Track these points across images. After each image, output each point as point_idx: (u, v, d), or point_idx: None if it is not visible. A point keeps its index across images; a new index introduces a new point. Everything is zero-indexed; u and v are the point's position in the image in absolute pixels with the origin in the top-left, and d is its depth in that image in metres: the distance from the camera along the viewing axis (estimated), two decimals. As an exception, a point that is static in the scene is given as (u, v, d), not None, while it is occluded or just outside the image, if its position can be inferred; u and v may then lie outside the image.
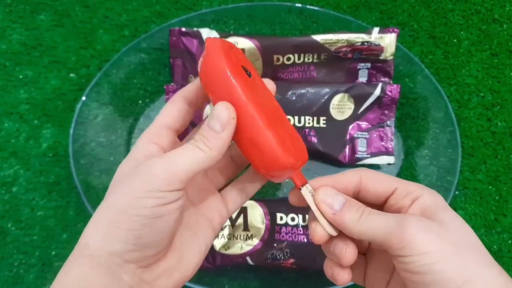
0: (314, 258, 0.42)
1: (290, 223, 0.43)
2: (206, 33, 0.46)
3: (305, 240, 0.43)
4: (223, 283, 0.43)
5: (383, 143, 0.48)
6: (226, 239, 0.42)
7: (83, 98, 0.46)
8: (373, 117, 0.48)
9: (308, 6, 0.50)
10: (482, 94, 0.52)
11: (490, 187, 0.49)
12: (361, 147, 0.48)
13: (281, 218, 0.43)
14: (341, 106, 0.47)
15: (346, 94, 0.46)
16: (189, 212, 0.28)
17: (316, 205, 0.27)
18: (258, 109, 0.25)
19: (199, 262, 0.28)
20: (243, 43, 0.45)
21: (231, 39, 0.45)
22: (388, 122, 0.48)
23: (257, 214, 0.43)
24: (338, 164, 0.48)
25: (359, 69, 0.49)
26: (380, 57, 0.47)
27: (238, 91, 0.24)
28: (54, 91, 0.50)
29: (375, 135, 0.48)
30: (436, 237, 0.23)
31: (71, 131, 0.45)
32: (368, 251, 0.30)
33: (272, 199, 0.47)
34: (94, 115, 0.47)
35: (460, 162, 0.46)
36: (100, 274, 0.23)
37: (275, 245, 0.42)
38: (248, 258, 0.42)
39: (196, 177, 0.26)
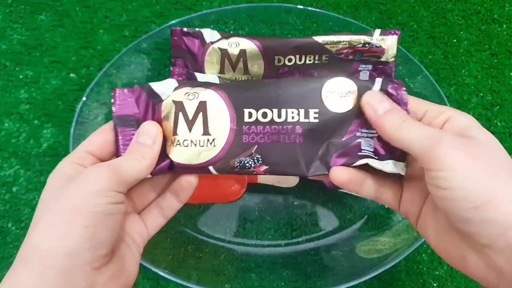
0: (296, 162, 0.32)
1: (262, 120, 0.32)
2: (208, 33, 0.46)
3: (282, 141, 0.32)
4: (223, 282, 0.43)
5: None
6: (182, 146, 0.32)
7: (84, 98, 0.46)
8: None
9: (308, 8, 0.50)
10: (481, 94, 0.52)
11: (489, 187, 0.49)
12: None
13: (250, 115, 0.32)
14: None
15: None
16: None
17: (361, 106, 0.29)
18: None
19: (136, 273, 0.29)
20: (244, 44, 0.45)
21: (232, 40, 0.45)
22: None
23: (217, 112, 0.33)
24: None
25: (361, 70, 0.48)
26: (381, 59, 0.47)
27: None
28: (54, 91, 0.50)
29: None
30: (468, 155, 0.24)
31: (72, 130, 0.45)
32: (405, 177, 0.31)
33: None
34: (94, 115, 0.47)
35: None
36: (53, 280, 0.23)
37: (242, 150, 0.32)
38: (211, 168, 0.32)
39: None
